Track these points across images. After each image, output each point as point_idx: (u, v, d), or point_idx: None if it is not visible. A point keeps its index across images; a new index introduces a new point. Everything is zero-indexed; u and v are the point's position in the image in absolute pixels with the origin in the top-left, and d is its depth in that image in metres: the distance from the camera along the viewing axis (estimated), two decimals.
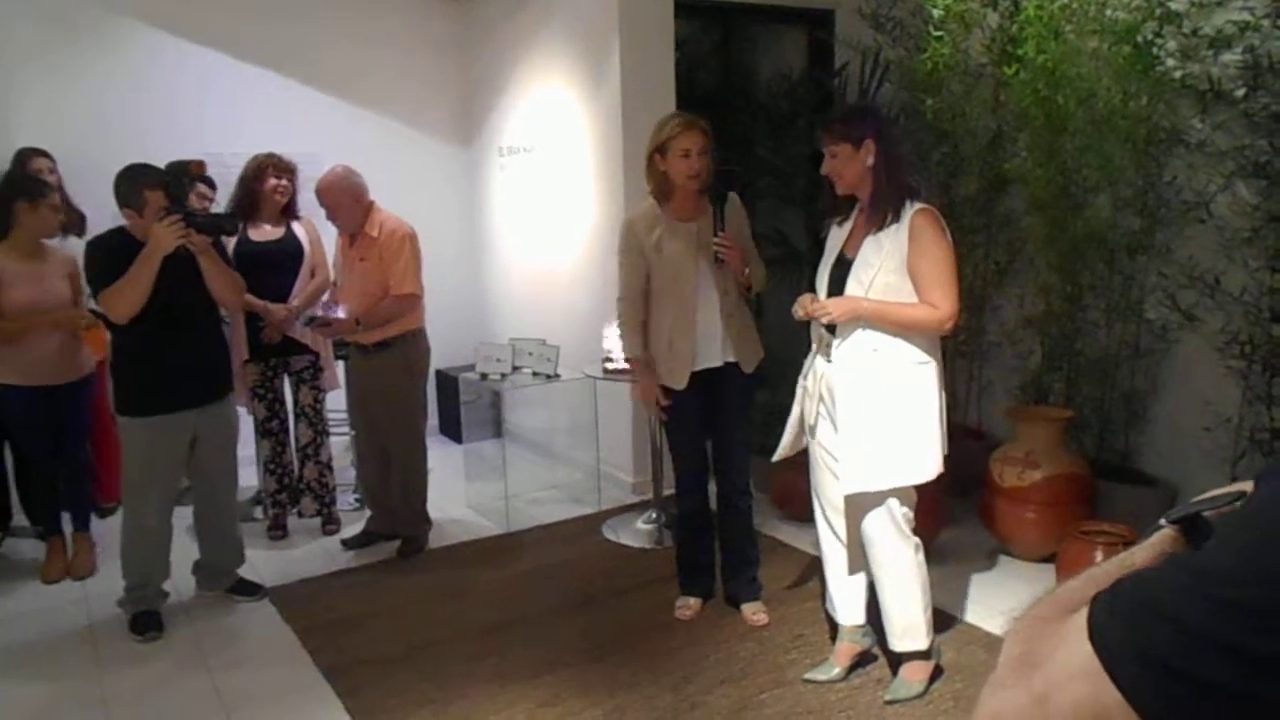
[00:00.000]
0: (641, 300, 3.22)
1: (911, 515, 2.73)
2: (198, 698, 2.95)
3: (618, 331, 4.06)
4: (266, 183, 4.00)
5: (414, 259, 3.86)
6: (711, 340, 3.15)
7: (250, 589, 3.63)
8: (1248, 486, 0.59)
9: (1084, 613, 0.55)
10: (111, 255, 3.17)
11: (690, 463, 3.34)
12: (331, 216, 3.81)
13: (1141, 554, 0.63)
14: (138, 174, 3.24)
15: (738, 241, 3.07)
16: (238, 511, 3.78)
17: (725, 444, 3.27)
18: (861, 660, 2.96)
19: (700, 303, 3.13)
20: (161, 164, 4.55)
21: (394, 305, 3.83)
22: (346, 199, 3.77)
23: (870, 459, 2.64)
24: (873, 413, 2.63)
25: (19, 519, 4.28)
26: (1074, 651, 0.53)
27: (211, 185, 4.40)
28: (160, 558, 3.44)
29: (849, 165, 2.59)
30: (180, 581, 3.64)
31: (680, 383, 3.17)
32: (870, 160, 2.57)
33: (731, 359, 3.17)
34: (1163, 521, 0.64)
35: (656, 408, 3.24)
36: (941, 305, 2.53)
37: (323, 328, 3.91)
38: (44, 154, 4.29)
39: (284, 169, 4.06)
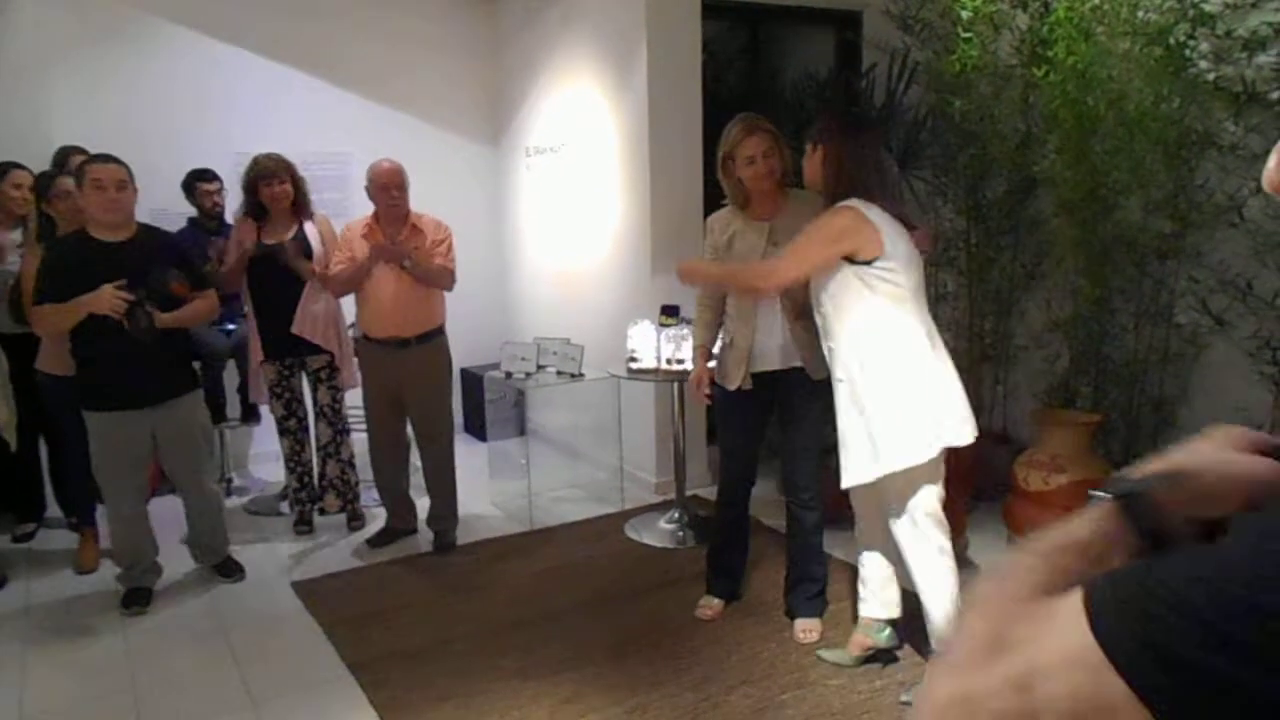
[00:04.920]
0: (714, 300, 3.23)
1: (935, 513, 2.70)
2: (225, 689, 2.99)
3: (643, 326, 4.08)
4: (262, 193, 4.04)
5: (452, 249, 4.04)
6: (770, 342, 3.08)
7: (230, 570, 3.79)
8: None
9: (1076, 597, 0.53)
10: (55, 270, 3.28)
11: (734, 465, 3.29)
12: (395, 200, 3.84)
13: (1082, 527, 0.61)
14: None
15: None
16: (215, 503, 3.80)
17: (789, 452, 3.17)
18: (878, 657, 2.96)
19: (761, 304, 3.06)
20: (191, 163, 4.67)
21: (442, 270, 3.93)
22: (407, 183, 3.89)
23: (845, 455, 2.73)
24: (840, 408, 2.73)
25: (52, 510, 4.36)
26: (1069, 639, 0.51)
27: (214, 179, 4.60)
28: (142, 539, 3.60)
29: (807, 162, 2.82)
30: (205, 575, 3.72)
31: (733, 382, 3.11)
32: (820, 161, 2.76)
33: (796, 364, 3.06)
34: (1102, 492, 0.62)
35: (697, 392, 3.26)
36: (777, 266, 2.76)
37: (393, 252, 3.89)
38: (84, 152, 4.36)
39: (275, 174, 4.03)
